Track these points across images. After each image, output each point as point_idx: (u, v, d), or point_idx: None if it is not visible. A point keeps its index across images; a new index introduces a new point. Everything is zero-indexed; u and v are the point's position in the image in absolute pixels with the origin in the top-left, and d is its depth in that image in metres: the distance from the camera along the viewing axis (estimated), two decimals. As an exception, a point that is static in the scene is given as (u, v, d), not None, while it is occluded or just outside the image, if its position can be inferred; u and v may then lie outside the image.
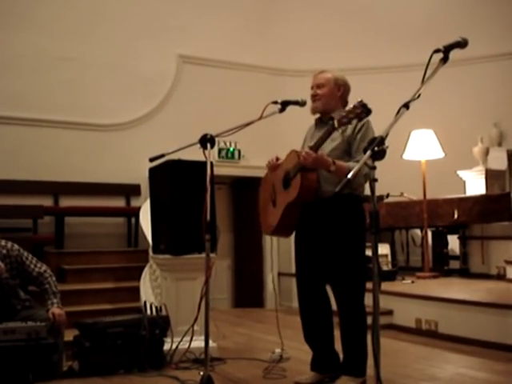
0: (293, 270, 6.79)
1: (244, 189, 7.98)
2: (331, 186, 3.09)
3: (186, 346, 3.74)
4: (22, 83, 6.45)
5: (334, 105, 3.27)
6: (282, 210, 3.24)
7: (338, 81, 3.31)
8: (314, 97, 3.31)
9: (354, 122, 2.96)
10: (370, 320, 2.17)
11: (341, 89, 3.31)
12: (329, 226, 3.16)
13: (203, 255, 3.13)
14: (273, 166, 3.40)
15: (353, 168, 2.93)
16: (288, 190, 3.21)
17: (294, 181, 3.16)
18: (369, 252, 3.31)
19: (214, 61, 7.57)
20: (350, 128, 3.14)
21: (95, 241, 6.51)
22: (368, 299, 2.54)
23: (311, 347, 3.35)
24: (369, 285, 2.32)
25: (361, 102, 2.82)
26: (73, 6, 6.88)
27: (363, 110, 2.82)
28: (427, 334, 4.74)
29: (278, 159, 3.39)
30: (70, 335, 3.89)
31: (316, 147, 3.07)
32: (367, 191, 2.15)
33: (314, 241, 3.24)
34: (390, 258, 6.90)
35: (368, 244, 3.13)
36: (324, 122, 3.27)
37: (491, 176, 7.00)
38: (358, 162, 3.03)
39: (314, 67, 3.48)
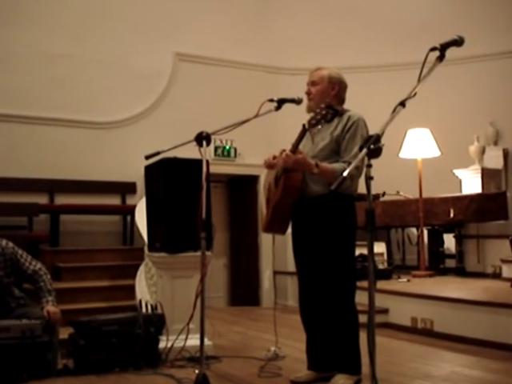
0: (288, 268, 6.79)
1: (240, 187, 7.98)
2: (318, 185, 3.12)
3: (182, 344, 3.75)
4: (17, 80, 6.43)
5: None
6: (272, 208, 3.27)
7: (333, 79, 3.28)
8: (308, 95, 3.31)
9: (322, 123, 2.96)
10: (365, 318, 2.16)
11: (335, 87, 3.28)
12: (318, 225, 3.16)
13: (199, 253, 3.14)
14: (269, 165, 3.39)
15: (338, 169, 2.96)
16: (277, 189, 3.24)
17: (280, 180, 3.19)
18: (365, 251, 3.30)
19: (210, 59, 7.57)
20: (339, 127, 3.14)
21: (90, 239, 6.50)
22: (364, 298, 2.53)
23: (309, 344, 3.35)
24: (364, 283, 2.31)
25: (327, 103, 2.88)
26: (69, 4, 6.86)
27: (328, 111, 2.88)
28: (423, 333, 4.74)
29: (274, 158, 3.38)
30: (65, 333, 3.87)
31: (294, 149, 3.09)
32: (363, 189, 2.14)
33: (305, 240, 3.25)
34: (385, 256, 6.92)
35: (364, 242, 3.12)
36: None
37: (487, 175, 7.01)
38: (345, 161, 3.04)
39: (311, 65, 3.46)
